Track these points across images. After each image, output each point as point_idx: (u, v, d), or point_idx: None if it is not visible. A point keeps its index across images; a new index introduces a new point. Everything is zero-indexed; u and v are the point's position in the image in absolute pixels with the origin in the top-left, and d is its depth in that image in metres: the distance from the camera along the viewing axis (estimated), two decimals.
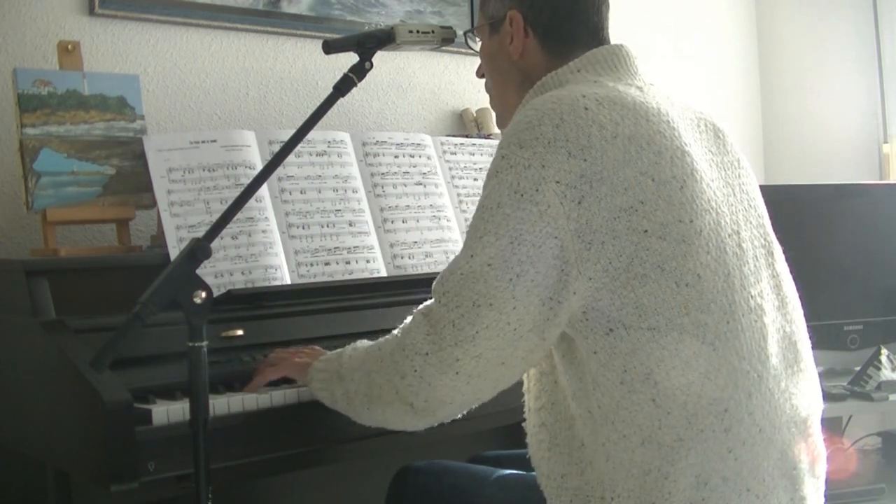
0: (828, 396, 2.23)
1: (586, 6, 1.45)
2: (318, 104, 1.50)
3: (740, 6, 3.91)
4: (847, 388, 2.95)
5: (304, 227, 1.96)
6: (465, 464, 1.71)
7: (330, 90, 1.53)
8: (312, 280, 1.92)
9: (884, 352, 2.99)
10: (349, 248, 1.99)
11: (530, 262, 1.23)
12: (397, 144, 2.16)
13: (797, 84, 3.82)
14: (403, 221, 2.08)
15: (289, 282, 1.89)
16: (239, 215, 1.46)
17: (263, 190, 1.92)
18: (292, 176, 1.99)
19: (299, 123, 1.48)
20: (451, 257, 1.36)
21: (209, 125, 2.38)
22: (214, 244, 1.35)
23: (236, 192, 1.45)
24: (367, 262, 2.00)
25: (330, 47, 1.61)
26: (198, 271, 1.31)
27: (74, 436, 1.52)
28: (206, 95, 2.39)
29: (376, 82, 2.68)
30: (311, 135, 1.79)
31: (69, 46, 1.96)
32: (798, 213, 3.04)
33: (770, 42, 3.93)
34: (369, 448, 1.83)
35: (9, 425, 1.74)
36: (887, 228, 3.16)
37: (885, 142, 3.64)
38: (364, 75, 1.56)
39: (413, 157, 2.17)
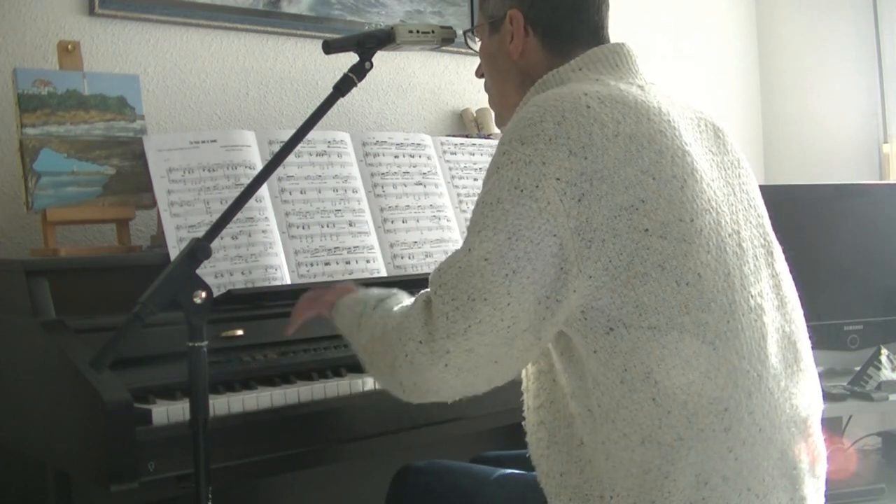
0: (828, 396, 2.23)
1: (586, 5, 1.45)
2: (318, 104, 1.50)
3: (740, 6, 3.91)
4: (847, 388, 2.95)
5: (304, 227, 1.96)
6: (465, 463, 1.71)
7: (330, 90, 1.53)
8: (312, 280, 1.92)
9: (884, 352, 2.99)
10: (349, 248, 1.99)
11: (527, 258, 1.23)
12: (397, 144, 2.16)
13: (797, 84, 3.82)
14: (403, 221, 2.08)
15: (289, 282, 1.89)
16: (239, 215, 1.46)
17: (263, 190, 1.92)
18: (292, 176, 1.99)
19: (299, 123, 1.48)
20: None
21: (209, 125, 2.38)
22: (214, 244, 1.35)
23: (236, 192, 1.45)
24: (367, 262, 2.00)
25: (330, 47, 1.61)
26: (198, 271, 1.31)
27: (74, 436, 1.52)
28: (206, 95, 2.39)
29: (376, 82, 2.68)
30: (311, 135, 1.79)
31: (69, 46, 1.96)
32: (798, 213, 3.04)
33: (770, 42, 3.93)
34: (369, 448, 1.83)
35: (9, 425, 1.74)
36: (887, 228, 3.16)
37: (885, 142, 3.64)
38: (364, 75, 1.55)
39: (413, 157, 2.17)
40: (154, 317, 1.26)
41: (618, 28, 1.53)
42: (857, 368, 3.02)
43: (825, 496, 1.41)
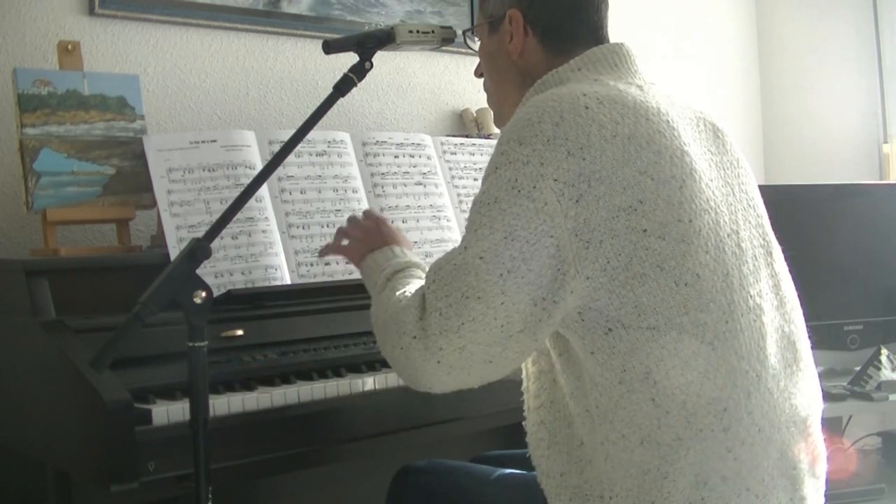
0: (828, 396, 2.23)
1: (586, 5, 1.45)
2: (318, 104, 1.50)
3: (740, 6, 3.91)
4: (847, 388, 2.95)
5: (304, 227, 1.96)
6: (465, 463, 1.70)
7: (330, 90, 1.53)
8: (312, 280, 1.92)
9: (884, 352, 2.99)
10: None
11: (523, 258, 1.23)
12: (397, 144, 2.16)
13: (797, 84, 3.82)
14: (403, 221, 2.08)
15: (289, 282, 1.89)
16: (239, 215, 1.46)
17: (263, 190, 1.92)
18: (292, 176, 1.99)
19: (299, 123, 1.48)
20: None
21: (209, 125, 2.38)
22: (214, 244, 1.35)
23: (236, 192, 1.45)
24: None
25: (330, 47, 1.61)
26: (198, 271, 1.31)
27: (74, 436, 1.52)
28: (206, 95, 2.39)
29: (376, 82, 2.68)
30: (311, 135, 1.79)
31: (69, 46, 1.96)
32: (798, 213, 3.04)
33: (770, 42, 3.93)
34: (369, 448, 1.83)
35: (9, 425, 1.74)
36: (887, 228, 3.16)
37: (885, 142, 3.64)
38: (364, 75, 1.55)
39: (413, 157, 2.17)
40: (154, 317, 1.26)
41: (618, 28, 1.53)
42: (857, 368, 3.02)
43: (825, 496, 1.41)
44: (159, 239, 1.86)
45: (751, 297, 1.32)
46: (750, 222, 1.39)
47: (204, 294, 1.30)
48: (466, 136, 2.49)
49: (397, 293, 1.36)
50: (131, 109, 1.96)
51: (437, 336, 1.24)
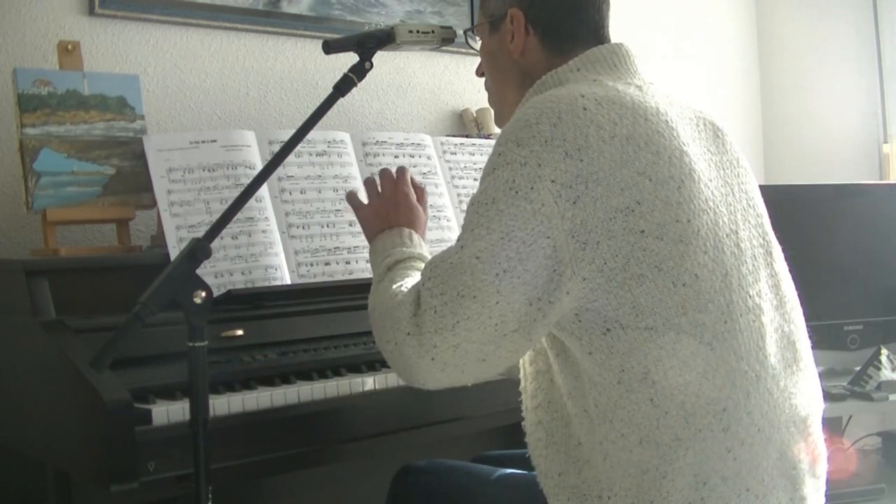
0: (828, 396, 2.23)
1: (587, 5, 1.45)
2: (318, 104, 1.50)
3: (740, 6, 3.91)
4: (847, 388, 2.95)
5: (304, 227, 1.96)
6: (465, 463, 1.71)
7: (330, 90, 1.53)
8: (312, 280, 1.92)
9: (884, 352, 2.99)
10: (349, 248, 1.99)
11: (519, 259, 1.23)
12: (397, 144, 2.16)
13: (797, 84, 3.82)
14: None
15: (289, 282, 1.89)
16: (239, 215, 1.46)
17: (263, 190, 1.92)
18: (292, 176, 1.99)
19: (299, 123, 1.48)
20: None
21: (209, 125, 2.38)
22: (214, 244, 1.35)
23: (236, 192, 1.45)
24: (368, 262, 1.99)
25: (330, 47, 1.61)
26: (198, 271, 1.31)
27: (74, 436, 1.52)
28: (206, 95, 2.39)
29: (376, 82, 2.68)
30: (311, 135, 1.79)
31: (69, 46, 1.96)
32: (798, 213, 3.04)
33: (770, 42, 3.93)
34: (369, 448, 1.83)
35: (9, 425, 1.74)
36: (887, 228, 3.16)
37: (885, 142, 3.64)
38: (364, 75, 1.55)
39: (413, 157, 2.17)
40: (154, 317, 1.26)
41: (618, 28, 1.53)
42: (857, 368, 3.02)
43: (825, 496, 1.41)
44: (159, 239, 1.86)
45: (750, 297, 1.32)
46: (749, 222, 1.39)
47: (204, 294, 1.30)
48: (466, 136, 2.49)
49: (394, 286, 1.37)
50: (131, 109, 1.96)
51: (431, 334, 1.24)
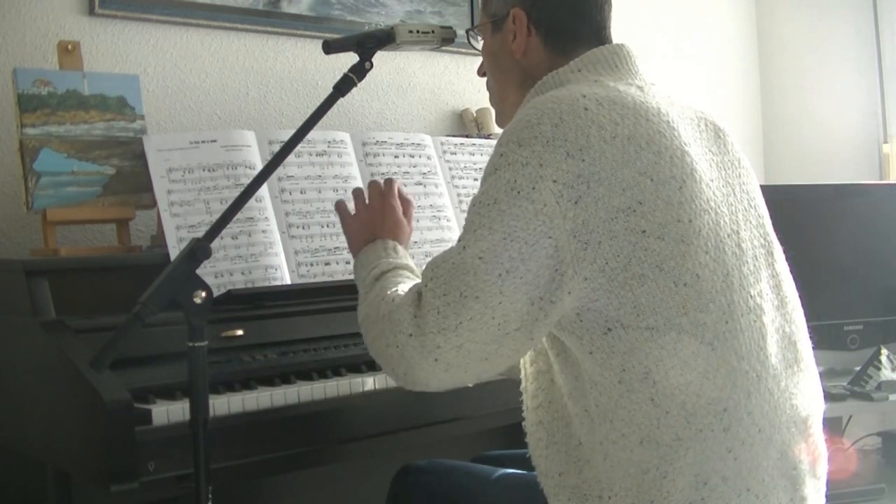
0: (828, 396, 2.23)
1: (588, 5, 1.45)
2: (318, 104, 1.50)
3: (740, 6, 3.91)
4: (847, 388, 2.95)
5: (304, 227, 1.96)
6: (466, 463, 1.71)
7: (330, 90, 1.53)
8: (312, 280, 1.92)
9: (884, 352, 2.99)
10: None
11: (521, 259, 1.23)
12: (397, 144, 2.16)
13: (797, 84, 3.82)
14: None
15: (289, 282, 1.89)
16: (239, 215, 1.46)
17: (263, 190, 1.92)
18: (292, 176, 1.99)
19: (299, 123, 1.48)
20: None
21: (209, 125, 2.38)
22: (214, 244, 1.35)
23: (236, 192, 1.45)
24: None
25: (330, 47, 1.61)
26: (198, 271, 1.31)
27: (74, 436, 1.52)
28: (206, 95, 2.39)
29: (376, 82, 2.68)
30: (311, 135, 1.79)
31: (69, 46, 1.96)
32: (798, 213, 3.04)
33: (770, 42, 3.93)
34: (369, 448, 1.83)
35: (9, 425, 1.74)
36: (887, 228, 3.16)
37: (885, 142, 3.64)
38: (364, 75, 1.55)
39: (413, 157, 2.17)
40: (154, 317, 1.26)
41: (618, 28, 1.53)
42: (857, 368, 3.02)
43: (825, 496, 1.41)
44: (159, 239, 1.86)
45: (751, 297, 1.32)
46: (751, 222, 1.39)
47: (204, 294, 1.30)
48: (466, 136, 2.49)
49: (388, 291, 1.36)
50: (131, 109, 1.96)
51: (434, 334, 1.24)
